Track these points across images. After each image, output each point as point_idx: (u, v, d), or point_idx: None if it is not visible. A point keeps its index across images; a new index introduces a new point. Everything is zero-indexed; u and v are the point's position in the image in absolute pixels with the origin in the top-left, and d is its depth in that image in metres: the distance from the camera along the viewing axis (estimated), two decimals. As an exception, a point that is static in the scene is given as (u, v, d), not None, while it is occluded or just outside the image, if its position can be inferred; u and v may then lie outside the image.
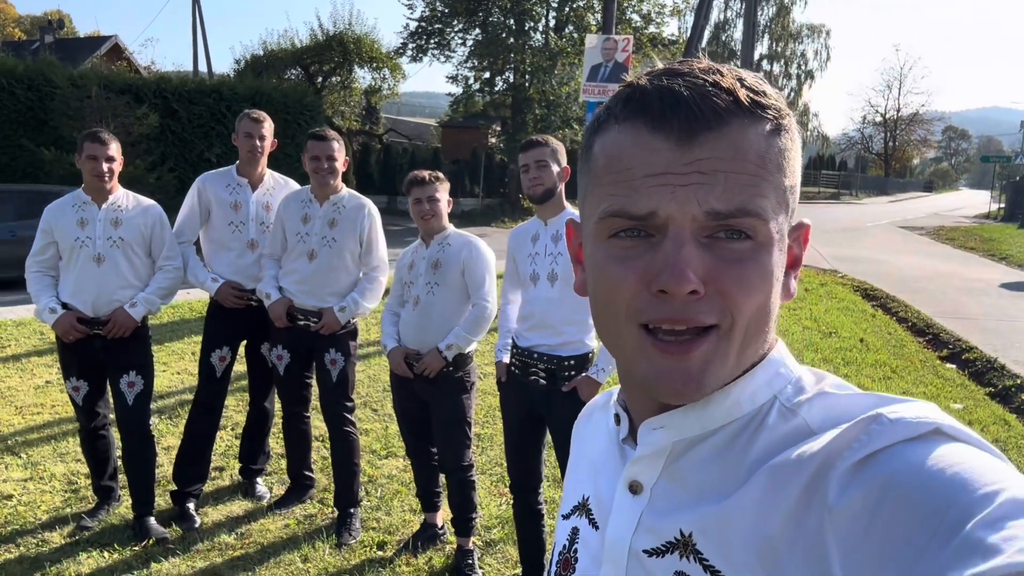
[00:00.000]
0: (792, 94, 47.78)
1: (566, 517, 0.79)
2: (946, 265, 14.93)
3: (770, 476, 0.58)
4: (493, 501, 3.94)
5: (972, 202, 48.00)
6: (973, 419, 5.71)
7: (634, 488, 0.68)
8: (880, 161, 61.82)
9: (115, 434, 3.68)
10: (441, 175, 3.20)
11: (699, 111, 0.59)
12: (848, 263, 14.06)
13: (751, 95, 0.60)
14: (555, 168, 2.84)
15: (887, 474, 0.52)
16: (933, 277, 12.95)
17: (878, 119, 61.42)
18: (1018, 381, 6.58)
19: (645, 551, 0.65)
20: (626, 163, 0.62)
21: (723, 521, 0.60)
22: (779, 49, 47.23)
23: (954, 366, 7.46)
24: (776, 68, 47.25)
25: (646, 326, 0.61)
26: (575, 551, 0.74)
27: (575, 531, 0.76)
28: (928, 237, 22.06)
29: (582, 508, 0.76)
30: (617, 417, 0.74)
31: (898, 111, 60.45)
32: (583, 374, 2.83)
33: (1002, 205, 32.15)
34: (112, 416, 3.62)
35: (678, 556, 0.62)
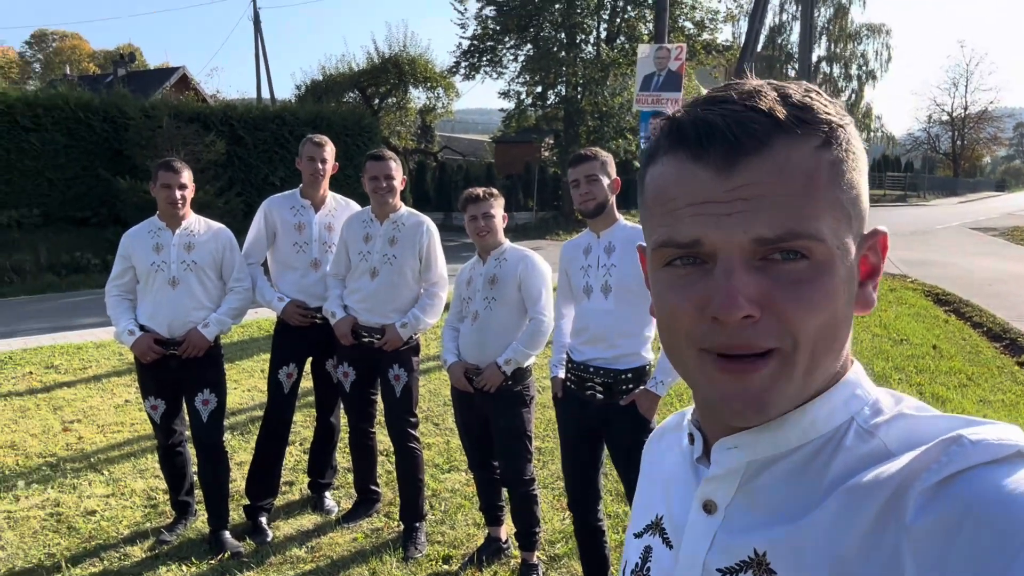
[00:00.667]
0: (853, 96, 46.53)
1: (638, 536, 0.79)
2: (1022, 267, 14.27)
3: (846, 496, 0.58)
4: (556, 516, 3.94)
5: (1050, 200, 45.75)
6: (1058, 428, 5.43)
7: (708, 507, 0.68)
8: (948, 161, 59.59)
9: (191, 450, 3.83)
10: (495, 191, 3.25)
11: (735, 138, 0.59)
12: (918, 267, 13.58)
13: (794, 112, 0.60)
14: (605, 181, 2.84)
15: (968, 495, 0.52)
16: (1008, 280, 12.39)
17: (944, 118, 59.25)
18: (1106, 387, 6.24)
19: (719, 570, 0.65)
20: (671, 193, 0.63)
21: (797, 541, 0.60)
22: (838, 51, 46.10)
23: (1035, 372, 7.12)
24: (836, 70, 46.13)
25: (707, 350, 0.62)
26: (648, 569, 0.75)
27: (648, 549, 0.76)
28: (1002, 238, 21.10)
29: (655, 527, 0.76)
30: (691, 436, 0.74)
31: (965, 109, 58.22)
32: (641, 387, 2.80)
33: (1083, 202, 30.52)
34: (188, 433, 3.77)
35: (752, 575, 0.63)
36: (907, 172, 49.32)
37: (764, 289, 0.59)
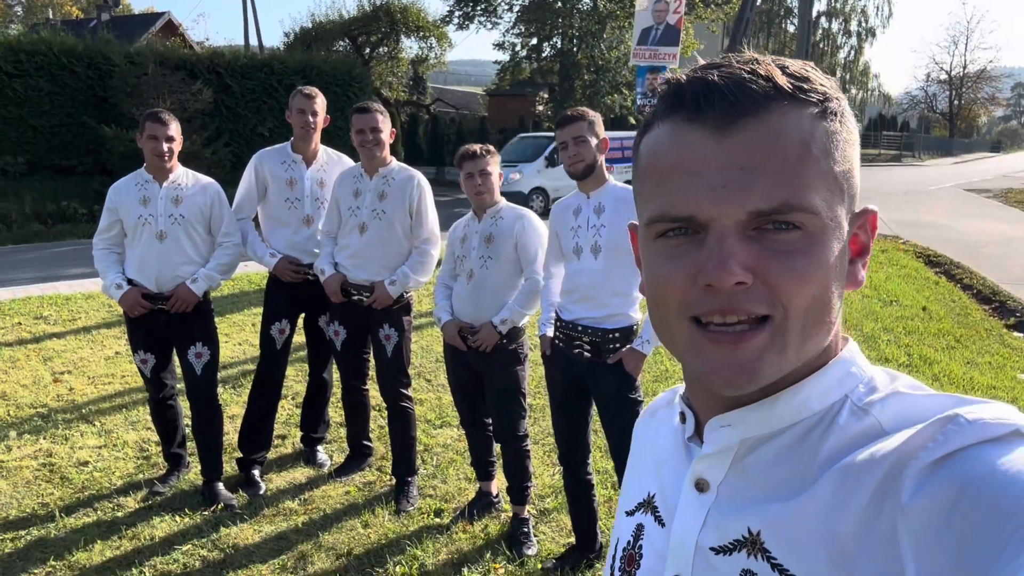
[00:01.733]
0: (852, 52, 46.04)
1: (630, 513, 0.79)
2: (1014, 230, 14.32)
3: (842, 475, 0.58)
4: (546, 471, 3.99)
5: (1044, 162, 45.75)
6: (1042, 390, 5.51)
7: (701, 486, 0.68)
8: (944, 121, 59.29)
9: (182, 403, 3.84)
10: (492, 148, 3.20)
11: (735, 98, 0.58)
12: (910, 228, 13.61)
13: (792, 80, 0.59)
14: (593, 141, 2.80)
15: (964, 474, 0.51)
16: (1000, 242, 12.45)
17: (943, 77, 58.77)
18: (1091, 350, 6.32)
19: (712, 548, 0.65)
20: (665, 160, 0.62)
21: (792, 520, 0.60)
22: (838, 5, 45.41)
23: (1021, 335, 7.20)
24: (835, 25, 45.50)
25: (698, 320, 0.61)
26: (640, 547, 0.75)
27: (640, 527, 0.76)
28: (996, 200, 21.14)
29: (647, 505, 0.76)
30: (683, 415, 0.74)
31: (964, 68, 57.71)
32: (628, 346, 2.82)
33: (1076, 165, 30.52)
34: (179, 386, 3.77)
35: (746, 554, 0.62)
36: (903, 132, 49.11)
37: (756, 257, 0.58)
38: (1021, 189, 24.39)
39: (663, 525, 0.72)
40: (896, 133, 47.90)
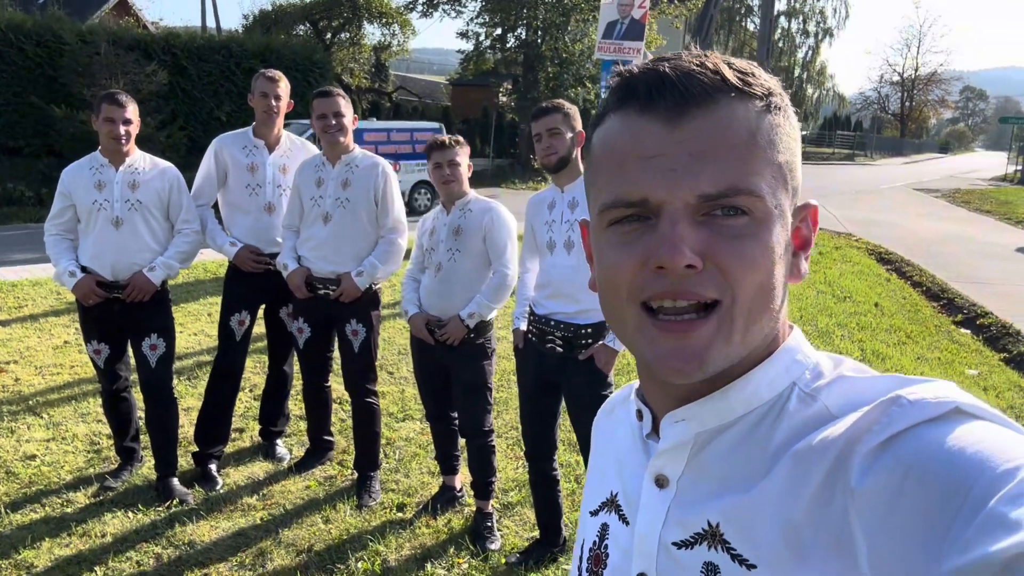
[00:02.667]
0: (810, 52, 46.90)
1: (594, 513, 0.79)
2: (961, 228, 14.77)
3: (793, 462, 0.59)
4: (510, 464, 3.98)
5: (988, 164, 47.29)
6: (988, 385, 5.70)
7: (660, 482, 0.69)
8: (896, 122, 60.83)
9: (136, 396, 3.72)
10: (461, 139, 3.15)
11: (685, 89, 0.60)
12: (862, 226, 13.93)
13: (738, 75, 0.62)
14: (568, 134, 2.78)
15: (909, 455, 0.52)
16: (948, 241, 12.82)
17: (895, 78, 60.26)
18: (1034, 348, 6.54)
19: (674, 543, 0.66)
20: (619, 149, 0.63)
21: (749, 510, 0.61)
22: (797, 5, 46.17)
23: (969, 331, 7.43)
24: (794, 25, 46.28)
25: (648, 307, 0.62)
26: (605, 547, 0.75)
27: (604, 527, 0.76)
28: (944, 200, 21.80)
29: (610, 504, 0.76)
30: (639, 412, 0.74)
31: (916, 70, 59.25)
32: (600, 342, 2.82)
33: (1019, 167, 31.65)
34: (133, 378, 3.65)
35: (707, 547, 0.63)
36: (856, 131, 50.22)
37: (706, 241, 0.59)
38: (968, 189, 25.19)
39: (627, 523, 0.72)
40: (850, 133, 48.96)
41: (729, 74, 0.61)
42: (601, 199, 0.65)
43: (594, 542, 0.77)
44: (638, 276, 0.62)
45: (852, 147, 47.07)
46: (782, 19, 45.29)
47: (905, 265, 10.53)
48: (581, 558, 0.79)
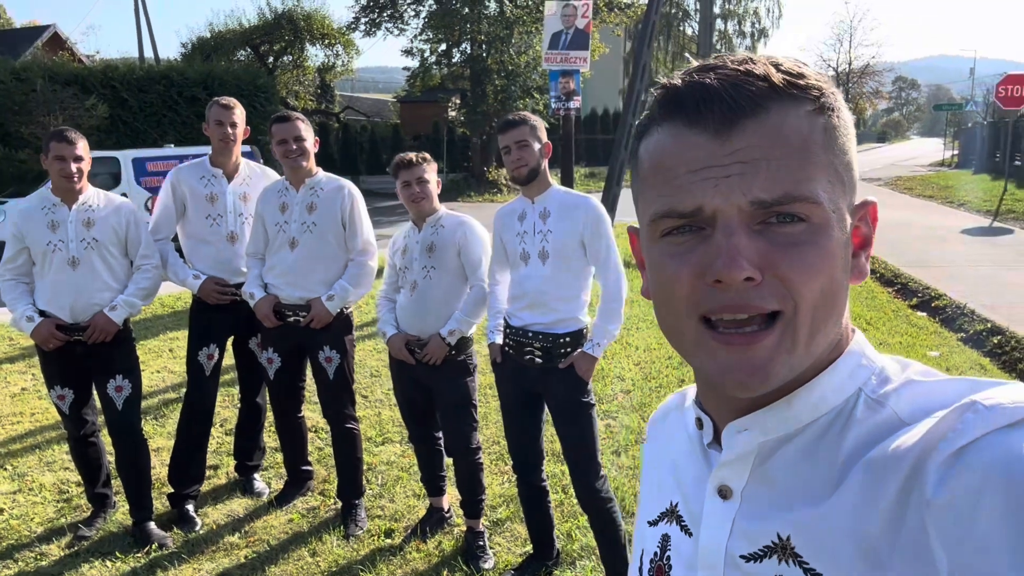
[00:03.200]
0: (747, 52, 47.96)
1: (652, 523, 0.78)
2: (907, 214, 15.23)
3: (866, 472, 0.58)
4: (495, 480, 3.94)
5: (925, 151, 48.96)
6: (950, 365, 5.86)
7: (724, 493, 0.67)
8: (834, 114, 62.42)
9: (104, 439, 3.59)
10: (428, 156, 3.13)
11: (733, 101, 0.59)
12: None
13: (787, 77, 0.60)
14: (536, 146, 2.78)
15: (985, 463, 0.51)
16: (895, 227, 13.19)
17: (831, 73, 62.02)
18: (988, 325, 6.76)
19: (742, 556, 0.64)
20: (668, 162, 0.62)
21: (821, 522, 0.59)
22: (732, 7, 47.24)
23: (925, 314, 7.64)
24: (731, 27, 47.33)
25: (707, 319, 0.61)
26: (668, 559, 0.74)
27: (666, 538, 0.75)
28: (887, 187, 22.47)
29: (671, 514, 0.75)
30: (699, 421, 0.73)
31: (850, 64, 61.04)
32: (579, 350, 2.81)
33: (955, 152, 32.81)
34: (100, 421, 3.52)
35: (777, 560, 0.61)
36: (797, 126, 51.31)
37: (764, 252, 0.58)
38: (909, 176, 26.01)
39: (689, 534, 0.71)
40: (792, 128, 50.02)
41: (777, 79, 0.60)
42: (652, 210, 0.64)
43: (655, 553, 0.76)
44: (696, 289, 0.60)
45: (794, 142, 48.06)
46: (719, 21, 46.26)
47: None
48: (641, 569, 0.78)
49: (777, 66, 0.61)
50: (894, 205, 17.28)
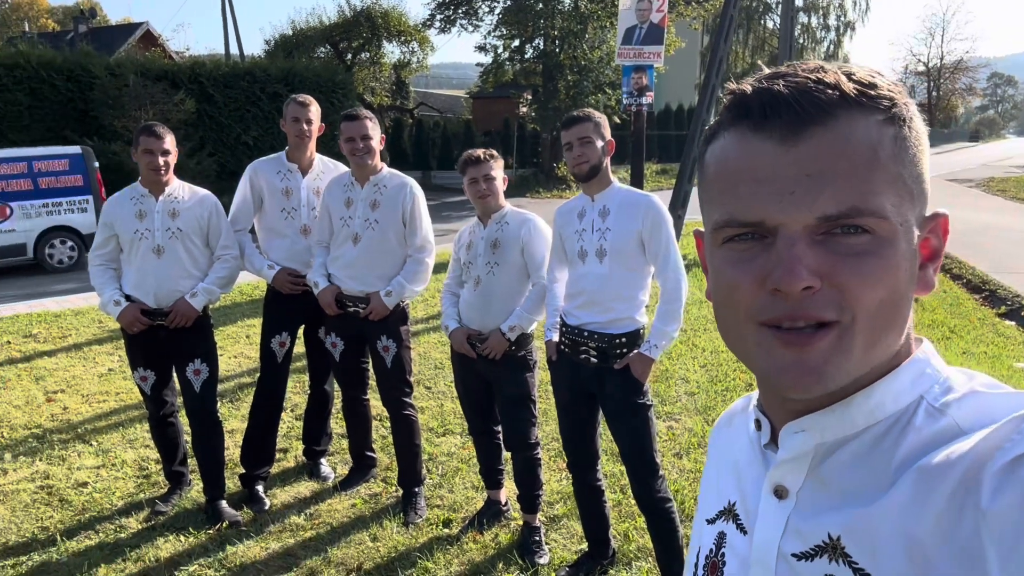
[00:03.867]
0: (832, 47, 46.33)
1: (711, 521, 0.80)
2: (999, 218, 14.46)
3: (919, 477, 0.57)
4: (554, 476, 3.96)
5: (1021, 150, 46.28)
6: (1039, 378, 5.55)
7: (779, 492, 0.68)
8: (923, 112, 59.62)
9: (182, 420, 3.77)
10: (495, 153, 3.16)
11: (800, 108, 0.58)
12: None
13: (858, 87, 0.60)
14: (599, 143, 2.77)
15: None
16: (986, 231, 12.55)
17: (921, 68, 59.36)
18: (1084, 337, 6.36)
19: (794, 555, 0.65)
20: (732, 168, 0.63)
21: (871, 524, 0.59)
22: (816, 0, 45.70)
23: (1013, 323, 7.25)
24: (814, 20, 45.80)
25: (766, 324, 0.62)
26: (722, 555, 0.75)
27: (722, 535, 0.76)
28: (978, 189, 21.36)
29: (728, 513, 0.77)
30: (758, 422, 0.74)
31: (941, 59, 58.34)
32: (635, 351, 2.79)
33: (1055, 152, 30.91)
34: (179, 402, 3.71)
35: (827, 559, 0.62)
36: (883, 124, 49.32)
37: (825, 261, 0.58)
38: (1002, 178, 24.66)
39: (745, 532, 0.72)
40: (877, 126, 48.09)
41: (848, 87, 0.59)
42: (715, 217, 0.65)
43: (711, 550, 0.77)
44: (756, 297, 0.61)
45: (879, 140, 46.23)
46: (801, 14, 44.83)
47: (944, 258, 10.32)
48: (697, 565, 0.80)
49: (849, 75, 0.60)
50: (985, 208, 16.43)
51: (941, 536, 0.54)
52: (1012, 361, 6.00)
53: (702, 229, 0.72)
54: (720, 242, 0.64)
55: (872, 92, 0.60)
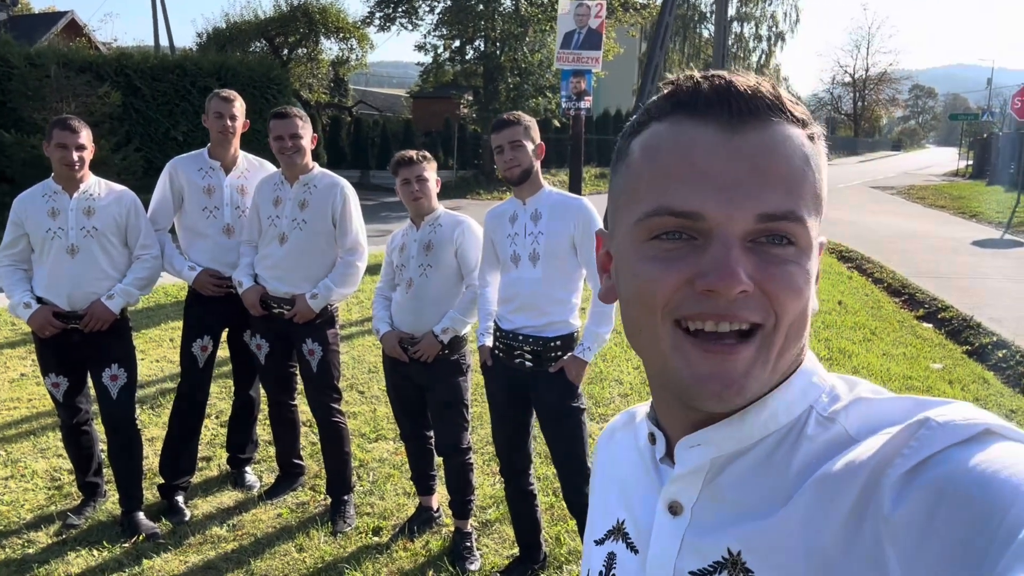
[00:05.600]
0: (763, 56, 47.74)
1: (599, 542, 0.77)
2: (918, 224, 15.12)
3: (817, 488, 0.57)
4: (486, 481, 3.93)
5: (940, 160, 48.62)
6: (953, 378, 5.80)
7: (674, 508, 0.67)
8: (849, 122, 62.25)
9: (98, 428, 3.60)
10: (428, 154, 3.12)
11: (743, 101, 0.59)
12: (822, 225, 14.14)
13: (790, 100, 0.61)
14: (530, 146, 2.77)
15: (941, 479, 0.51)
16: (907, 237, 13.11)
17: (847, 79, 61.71)
18: (994, 338, 6.70)
19: (691, 572, 0.64)
20: (666, 156, 0.61)
21: (772, 536, 0.59)
22: (749, 10, 47.03)
23: (931, 325, 7.57)
24: (747, 30, 47.10)
25: (684, 327, 0.60)
26: None
27: (611, 556, 0.74)
28: (899, 196, 22.32)
29: (617, 532, 0.74)
30: (651, 436, 0.72)
31: (867, 71, 60.76)
32: (569, 354, 2.79)
33: (970, 162, 32.57)
34: (94, 409, 3.53)
35: (727, 575, 0.61)
36: (812, 132, 51.00)
37: (756, 268, 0.58)
38: (922, 185, 25.82)
39: (636, 552, 0.70)
40: (806, 133, 49.70)
41: (784, 98, 0.61)
42: (641, 208, 0.62)
43: (600, 572, 0.75)
44: (678, 294, 0.60)
45: (808, 148, 47.80)
46: (735, 24, 46.01)
47: (866, 262, 10.73)
48: None
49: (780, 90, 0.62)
50: (906, 214, 17.17)
51: (844, 545, 0.54)
52: (928, 362, 6.26)
53: (605, 230, 0.71)
54: (645, 237, 0.61)
55: (798, 109, 0.61)
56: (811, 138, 0.61)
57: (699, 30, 42.93)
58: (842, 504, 0.55)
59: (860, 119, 61.64)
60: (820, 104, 65.46)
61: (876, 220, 15.58)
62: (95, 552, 3.24)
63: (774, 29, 48.49)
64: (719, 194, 0.58)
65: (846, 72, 61.56)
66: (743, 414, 0.63)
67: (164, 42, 25.56)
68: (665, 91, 0.63)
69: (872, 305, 8.33)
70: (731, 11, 44.89)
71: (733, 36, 45.35)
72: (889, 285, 9.37)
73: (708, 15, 40.40)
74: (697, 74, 0.62)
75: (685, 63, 39.26)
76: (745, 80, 0.60)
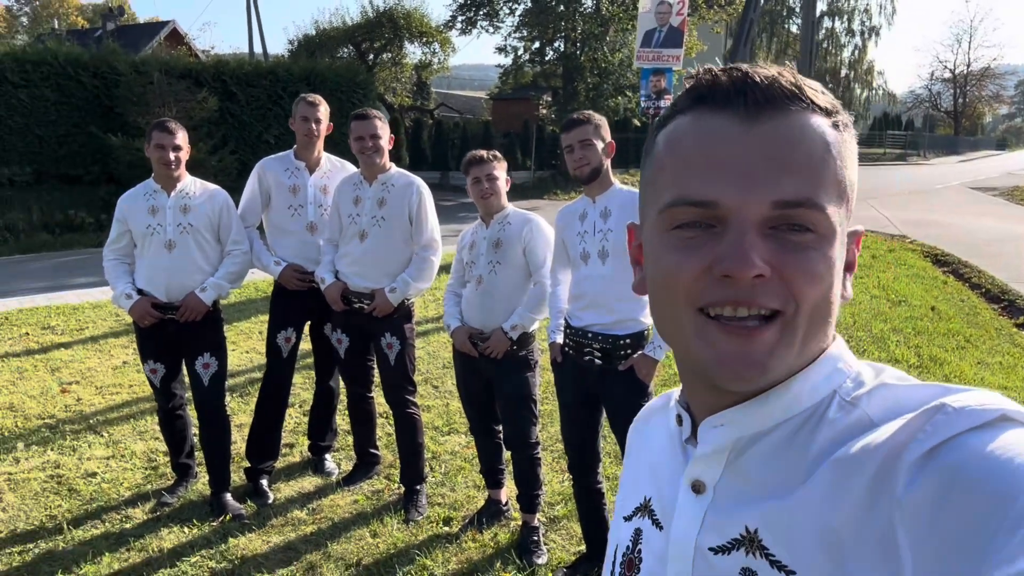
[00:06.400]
0: (856, 52, 45.88)
1: (627, 519, 0.80)
2: (1021, 227, 14.23)
3: (834, 469, 0.59)
4: (556, 477, 3.96)
5: (1050, 159, 45.51)
6: (1054, 390, 5.46)
7: (697, 487, 0.69)
8: (949, 119, 59.07)
9: (191, 413, 3.83)
10: (498, 154, 3.19)
11: (761, 92, 0.60)
12: (917, 227, 13.54)
13: (811, 90, 0.62)
14: (599, 145, 2.78)
15: (954, 463, 0.52)
16: (1008, 240, 12.36)
17: (947, 75, 58.58)
18: (1103, 350, 6.26)
19: (711, 548, 0.66)
20: (687, 147, 0.63)
21: (788, 516, 0.60)
22: (841, 5, 45.28)
23: (1032, 334, 7.13)
24: (839, 25, 45.39)
25: (705, 312, 0.62)
26: (639, 552, 0.75)
27: (638, 532, 0.76)
28: (1002, 198, 21.03)
29: (644, 509, 0.77)
30: (679, 418, 0.74)
31: (968, 66, 57.50)
32: (639, 352, 2.79)
33: (1084, 162, 30.37)
34: (188, 396, 3.76)
35: (744, 552, 0.63)
36: (907, 130, 48.79)
37: (774, 254, 0.59)
38: (1028, 187, 24.23)
39: (661, 528, 0.72)
40: (901, 132, 47.57)
41: (805, 87, 0.62)
42: (663, 199, 0.64)
43: (627, 547, 0.77)
44: (699, 281, 0.61)
45: (904, 147, 45.72)
46: (825, 19, 44.45)
47: (963, 267, 10.18)
48: (614, 563, 0.80)
49: (803, 79, 0.63)
50: (1008, 216, 16.18)
51: (857, 526, 0.55)
52: (1028, 372, 5.91)
53: (636, 223, 0.73)
54: (667, 227, 0.64)
55: (822, 97, 0.62)
56: (836, 126, 0.62)
57: (787, 26, 41.66)
58: (857, 486, 0.56)
59: (961, 117, 58.43)
60: (918, 101, 62.40)
61: (975, 222, 14.76)
62: (185, 529, 3.45)
63: (867, 23, 46.58)
64: (735, 182, 0.59)
65: (946, 67, 58.47)
66: (766, 396, 0.64)
67: (258, 49, 26.69)
68: (688, 84, 0.65)
69: (968, 311, 7.91)
70: (822, 6, 43.39)
71: (824, 31, 43.81)
72: (987, 291, 8.87)
73: (796, 10, 39.15)
74: (711, 70, 0.64)
75: (772, 60, 38.21)
76: (763, 71, 0.62)
